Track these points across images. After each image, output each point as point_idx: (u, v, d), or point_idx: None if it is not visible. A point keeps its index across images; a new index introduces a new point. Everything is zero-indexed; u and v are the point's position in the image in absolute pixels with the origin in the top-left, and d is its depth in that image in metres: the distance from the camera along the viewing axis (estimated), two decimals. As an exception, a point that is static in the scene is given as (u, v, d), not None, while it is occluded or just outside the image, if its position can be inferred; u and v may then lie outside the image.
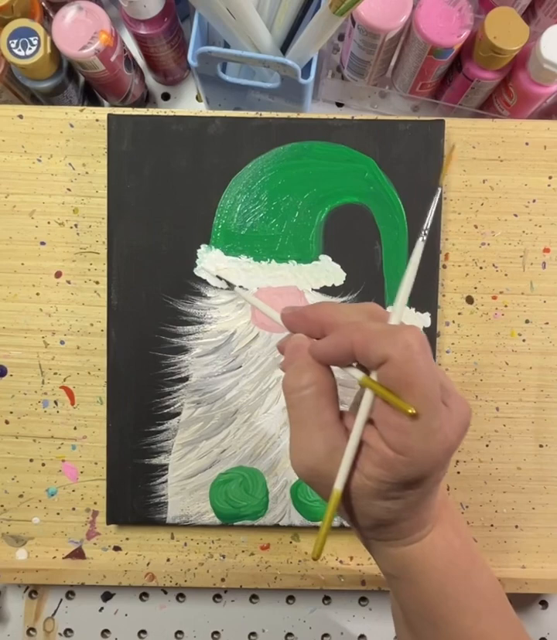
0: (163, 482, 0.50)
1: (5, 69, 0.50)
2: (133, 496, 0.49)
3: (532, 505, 0.51)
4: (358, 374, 0.29)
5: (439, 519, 0.32)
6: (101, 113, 0.50)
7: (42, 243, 0.51)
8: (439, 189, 0.33)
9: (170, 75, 0.60)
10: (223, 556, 0.51)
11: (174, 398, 0.49)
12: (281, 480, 0.50)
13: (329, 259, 0.49)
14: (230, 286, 0.44)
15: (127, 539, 0.51)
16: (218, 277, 0.48)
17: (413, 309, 0.49)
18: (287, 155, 0.49)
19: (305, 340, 0.31)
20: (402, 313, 0.30)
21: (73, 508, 0.51)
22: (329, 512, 0.28)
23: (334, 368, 0.31)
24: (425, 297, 0.49)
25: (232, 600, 0.57)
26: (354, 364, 0.30)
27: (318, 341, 0.30)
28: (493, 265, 0.51)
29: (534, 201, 0.51)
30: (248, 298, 0.39)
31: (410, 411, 0.26)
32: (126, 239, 0.49)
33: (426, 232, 0.31)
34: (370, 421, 0.29)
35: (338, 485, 0.28)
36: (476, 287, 0.51)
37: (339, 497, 0.28)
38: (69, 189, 0.51)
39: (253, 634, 0.57)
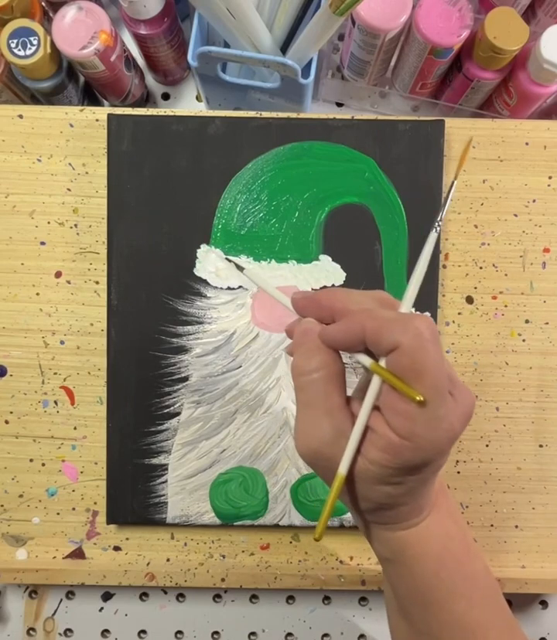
0: (163, 482, 0.50)
1: (5, 69, 0.50)
2: (133, 496, 0.49)
3: (532, 505, 0.51)
4: (367, 360, 0.29)
5: (436, 506, 0.33)
6: (101, 113, 0.50)
7: (42, 243, 0.51)
8: (455, 182, 0.33)
9: (170, 75, 0.60)
10: (223, 556, 0.51)
11: (174, 398, 0.49)
12: (281, 480, 0.50)
13: (329, 259, 0.49)
14: (239, 268, 0.44)
15: (127, 539, 0.51)
16: (228, 259, 0.48)
17: (413, 309, 0.49)
18: (287, 155, 0.49)
19: (315, 324, 0.31)
20: (413, 301, 0.30)
21: (73, 508, 0.51)
22: (333, 495, 0.29)
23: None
24: (425, 297, 0.49)
25: (232, 600, 0.57)
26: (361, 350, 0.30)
27: (328, 326, 0.30)
28: (493, 265, 0.51)
29: (534, 201, 0.51)
30: (257, 280, 0.38)
31: (418, 399, 0.26)
32: (126, 239, 0.49)
33: (440, 223, 0.32)
34: (375, 407, 0.29)
35: (342, 469, 0.29)
36: (476, 287, 0.51)
37: (343, 481, 0.29)
38: (69, 189, 0.51)
39: (253, 634, 0.57)
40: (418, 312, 0.29)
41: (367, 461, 0.29)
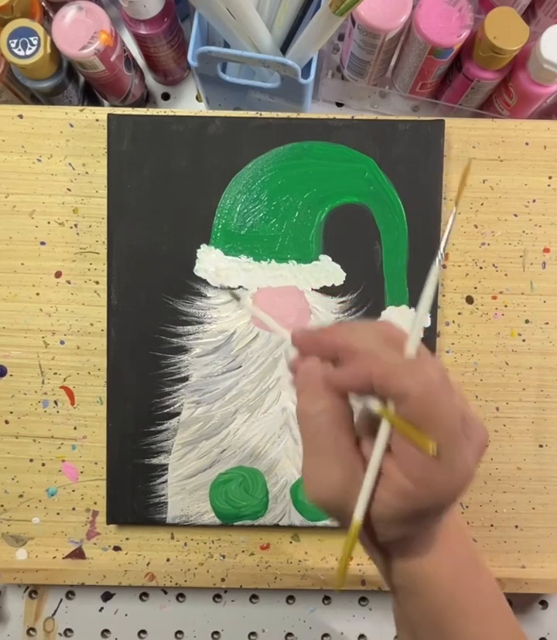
0: (163, 482, 0.50)
1: (5, 69, 0.50)
2: (133, 496, 0.49)
3: (532, 505, 0.51)
4: (376, 405, 0.28)
5: (445, 527, 0.32)
6: (101, 113, 0.50)
7: (42, 243, 0.51)
8: (454, 210, 0.32)
9: (170, 75, 0.60)
10: (223, 556, 0.51)
11: (174, 398, 0.49)
12: (281, 480, 0.50)
13: (329, 259, 0.49)
14: (235, 296, 0.43)
15: (127, 539, 0.51)
16: (222, 286, 0.48)
17: (413, 309, 0.49)
18: (287, 155, 0.49)
19: (318, 364, 0.30)
20: (418, 340, 0.29)
21: (73, 508, 0.51)
22: (350, 543, 0.28)
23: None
24: (425, 297, 0.49)
25: (232, 600, 0.57)
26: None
27: (334, 370, 0.29)
28: (493, 265, 0.51)
29: (534, 201, 0.51)
30: (257, 313, 0.37)
31: (432, 452, 0.25)
32: (126, 239, 0.49)
33: (443, 254, 0.30)
34: (387, 449, 0.28)
35: (358, 517, 0.28)
36: (476, 287, 0.51)
37: (359, 528, 0.28)
38: (69, 189, 0.51)
39: (253, 634, 0.57)
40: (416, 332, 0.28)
41: (381, 505, 0.28)
